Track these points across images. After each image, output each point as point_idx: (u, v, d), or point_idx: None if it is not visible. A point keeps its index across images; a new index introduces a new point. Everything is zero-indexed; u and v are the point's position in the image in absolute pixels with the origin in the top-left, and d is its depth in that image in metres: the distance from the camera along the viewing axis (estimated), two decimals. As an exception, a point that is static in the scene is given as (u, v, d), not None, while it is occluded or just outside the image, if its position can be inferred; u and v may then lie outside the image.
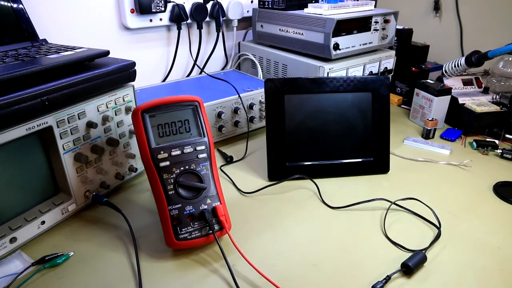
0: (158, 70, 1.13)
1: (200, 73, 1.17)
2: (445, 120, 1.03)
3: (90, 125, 0.65)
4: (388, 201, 0.70)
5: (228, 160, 0.86)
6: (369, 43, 1.04)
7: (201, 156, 0.60)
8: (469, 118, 0.97)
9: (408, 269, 0.55)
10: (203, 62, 1.20)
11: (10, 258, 0.57)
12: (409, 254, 0.58)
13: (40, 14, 0.84)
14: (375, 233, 0.64)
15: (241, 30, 1.26)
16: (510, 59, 1.02)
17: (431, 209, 0.68)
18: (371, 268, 0.56)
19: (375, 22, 1.02)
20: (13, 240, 0.57)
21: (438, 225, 0.64)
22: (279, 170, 0.78)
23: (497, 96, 1.02)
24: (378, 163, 0.81)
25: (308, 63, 0.98)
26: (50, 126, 0.59)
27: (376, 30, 1.04)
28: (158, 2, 0.99)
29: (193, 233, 0.58)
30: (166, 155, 0.58)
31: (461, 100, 1.01)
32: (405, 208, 0.69)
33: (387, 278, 0.53)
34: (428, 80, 1.03)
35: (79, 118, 0.63)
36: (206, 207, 0.59)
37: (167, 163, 0.58)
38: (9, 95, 0.52)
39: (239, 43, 1.23)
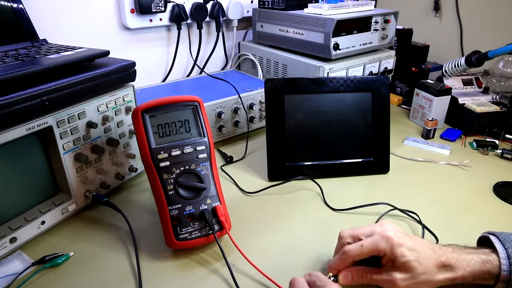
0: (158, 70, 1.13)
1: (200, 73, 1.17)
2: (445, 120, 1.03)
3: (90, 125, 0.65)
4: (391, 205, 0.70)
5: (228, 160, 0.86)
6: (369, 43, 1.04)
7: (201, 156, 0.60)
8: (469, 118, 0.97)
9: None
10: (203, 62, 1.20)
11: (10, 258, 0.57)
12: None
13: (40, 14, 0.84)
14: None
15: (241, 30, 1.26)
16: (510, 59, 1.02)
17: (424, 226, 0.65)
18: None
19: (375, 22, 1.02)
20: (13, 240, 0.57)
21: (436, 238, 0.63)
22: (279, 170, 0.78)
23: (497, 96, 1.02)
24: (378, 163, 0.81)
25: (308, 63, 0.98)
26: (50, 126, 0.59)
27: (376, 30, 1.04)
28: (158, 2, 0.99)
29: (193, 233, 0.58)
30: (166, 155, 0.58)
31: (461, 100, 1.01)
32: (408, 214, 0.69)
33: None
34: (428, 80, 1.03)
35: (79, 118, 0.63)
36: (206, 207, 0.59)
37: (167, 163, 0.58)
38: (9, 95, 0.52)
39: (239, 43, 1.23)
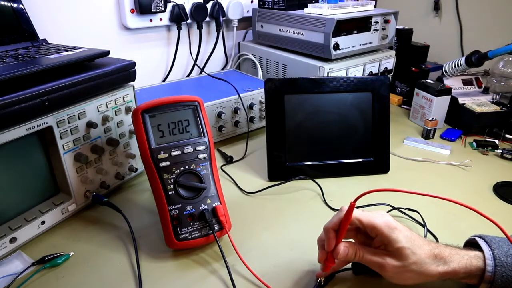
0: (158, 70, 1.13)
1: (200, 73, 1.17)
2: (445, 120, 1.03)
3: (90, 125, 0.65)
4: (391, 206, 0.70)
5: (228, 160, 0.86)
6: (369, 43, 1.04)
7: (201, 156, 0.60)
8: (469, 118, 0.97)
9: (355, 269, 0.55)
10: (203, 62, 1.20)
11: (10, 258, 0.57)
12: None
13: (40, 14, 0.84)
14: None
15: (241, 30, 1.26)
16: (510, 59, 1.02)
17: (425, 225, 0.65)
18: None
19: (375, 22, 1.02)
20: (13, 240, 0.57)
21: (436, 238, 0.63)
22: (279, 170, 0.78)
23: (497, 96, 1.02)
24: (378, 163, 0.81)
25: (308, 63, 0.98)
26: (50, 126, 0.59)
27: (376, 30, 1.04)
28: (158, 2, 0.99)
29: (193, 233, 0.58)
30: (166, 155, 0.58)
31: (461, 100, 1.01)
32: (407, 215, 0.69)
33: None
34: (428, 80, 1.03)
35: (79, 118, 0.63)
36: (206, 207, 0.59)
37: (167, 163, 0.58)
38: (9, 95, 0.52)
39: (239, 43, 1.23)
